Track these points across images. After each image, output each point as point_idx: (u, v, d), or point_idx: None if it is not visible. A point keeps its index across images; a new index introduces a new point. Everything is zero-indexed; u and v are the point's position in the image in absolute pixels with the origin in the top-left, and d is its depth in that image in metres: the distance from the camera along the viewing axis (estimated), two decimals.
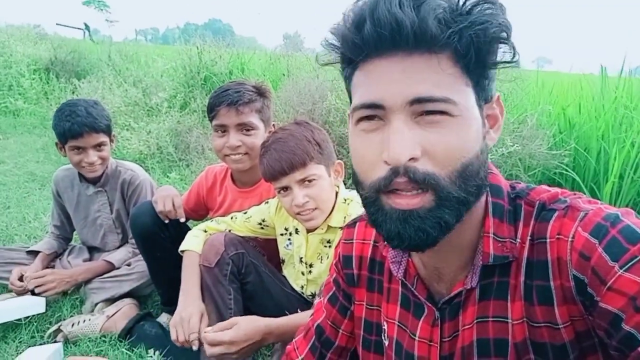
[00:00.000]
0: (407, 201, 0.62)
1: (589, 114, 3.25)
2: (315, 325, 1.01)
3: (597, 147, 3.00)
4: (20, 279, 2.01)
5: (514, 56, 0.64)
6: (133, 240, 2.10)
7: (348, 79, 0.70)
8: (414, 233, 0.63)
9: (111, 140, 2.15)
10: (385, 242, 0.71)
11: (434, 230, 0.63)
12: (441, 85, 0.61)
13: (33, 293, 1.99)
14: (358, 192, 0.70)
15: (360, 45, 0.62)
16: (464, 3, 0.60)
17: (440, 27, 0.58)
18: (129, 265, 2.10)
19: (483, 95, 0.66)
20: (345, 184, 1.66)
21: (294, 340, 1.06)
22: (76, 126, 1.98)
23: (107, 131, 2.10)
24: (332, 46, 0.68)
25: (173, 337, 1.48)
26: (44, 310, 1.93)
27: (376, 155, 0.64)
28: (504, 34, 0.61)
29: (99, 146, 2.08)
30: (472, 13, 0.60)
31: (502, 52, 0.64)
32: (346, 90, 0.73)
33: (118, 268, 2.11)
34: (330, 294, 1.00)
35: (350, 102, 0.71)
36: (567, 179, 3.07)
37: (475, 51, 0.61)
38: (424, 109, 0.61)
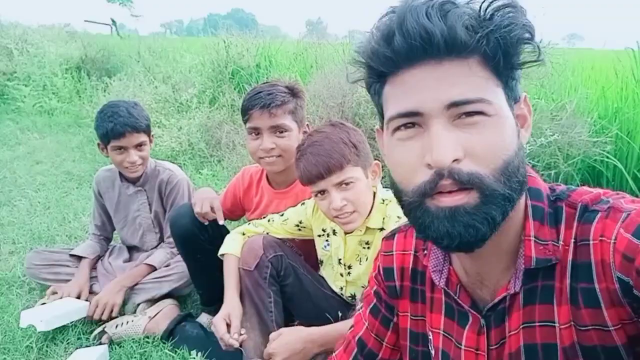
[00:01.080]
0: (452, 198, 0.63)
1: (631, 97, 3.11)
2: (357, 338, 1.01)
3: (638, 132, 2.88)
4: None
5: (539, 55, 0.65)
6: (170, 240, 2.12)
7: (377, 94, 0.72)
8: (463, 230, 0.63)
9: (150, 140, 2.19)
10: (435, 244, 0.71)
11: (483, 225, 0.63)
12: (474, 87, 0.63)
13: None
14: (399, 200, 0.70)
15: (391, 57, 0.64)
16: (487, 8, 0.62)
17: (468, 33, 0.61)
18: (167, 266, 2.14)
19: (512, 96, 0.68)
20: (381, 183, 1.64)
21: (334, 355, 1.06)
22: (119, 126, 2.03)
23: (147, 131, 2.15)
24: (360, 63, 0.70)
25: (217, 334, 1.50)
26: (86, 314, 1.98)
27: (417, 161, 0.65)
28: (528, 35, 0.63)
29: (139, 146, 2.12)
30: (495, 17, 0.62)
31: (527, 52, 0.66)
32: (376, 105, 0.74)
33: (166, 265, 2.15)
34: (371, 305, 0.99)
35: (382, 117, 0.73)
36: (609, 167, 2.96)
37: (503, 53, 0.63)
38: (461, 111, 0.63)
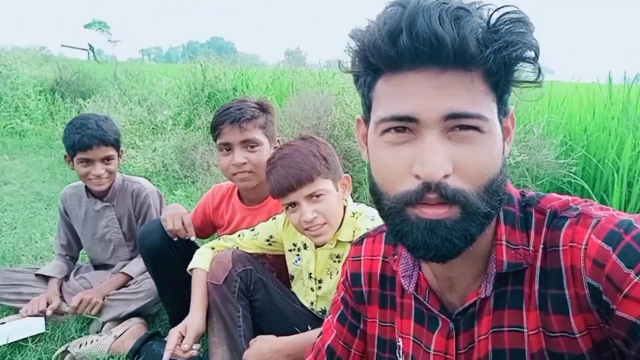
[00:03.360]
0: (434, 211, 0.62)
1: (597, 123, 3.23)
2: (326, 346, 0.99)
3: (606, 155, 2.98)
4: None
5: (538, 76, 0.64)
6: None
7: (368, 87, 0.68)
8: (440, 243, 0.62)
9: (119, 155, 2.17)
10: (410, 252, 0.70)
11: (460, 241, 0.62)
12: (475, 102, 0.61)
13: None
14: (378, 202, 0.69)
15: (394, 57, 0.61)
16: (497, 21, 0.60)
17: (479, 46, 0.58)
18: (136, 282, 2.09)
19: (503, 110, 0.67)
20: (352, 198, 1.65)
21: None
22: (85, 138, 2.00)
23: (116, 145, 2.12)
24: (356, 52, 0.66)
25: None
26: (44, 330, 1.90)
27: (405, 169, 0.63)
28: (533, 54, 0.61)
29: (106, 159, 2.09)
30: (505, 32, 0.59)
31: (528, 72, 0.64)
32: (363, 96, 0.71)
33: (133, 282, 2.11)
34: (338, 313, 0.98)
35: (368, 109, 0.70)
36: (576, 188, 3.05)
37: (506, 70, 0.61)
38: (458, 124, 0.61)
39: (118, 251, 2.26)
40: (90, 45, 19.93)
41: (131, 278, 2.10)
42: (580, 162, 3.01)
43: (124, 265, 2.18)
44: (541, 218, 0.70)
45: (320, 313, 1.65)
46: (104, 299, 2.01)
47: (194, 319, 1.53)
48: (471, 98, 0.61)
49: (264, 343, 1.41)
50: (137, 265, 2.14)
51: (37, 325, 1.89)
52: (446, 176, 0.60)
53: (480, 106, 0.61)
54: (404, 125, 0.63)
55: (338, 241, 1.52)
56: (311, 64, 6.86)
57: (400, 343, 0.86)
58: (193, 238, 1.78)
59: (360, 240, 0.96)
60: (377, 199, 0.69)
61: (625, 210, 2.73)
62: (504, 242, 0.70)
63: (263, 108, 1.78)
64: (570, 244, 0.64)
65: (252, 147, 1.72)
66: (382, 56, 0.62)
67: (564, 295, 0.64)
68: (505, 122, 0.69)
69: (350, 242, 1.50)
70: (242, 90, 5.52)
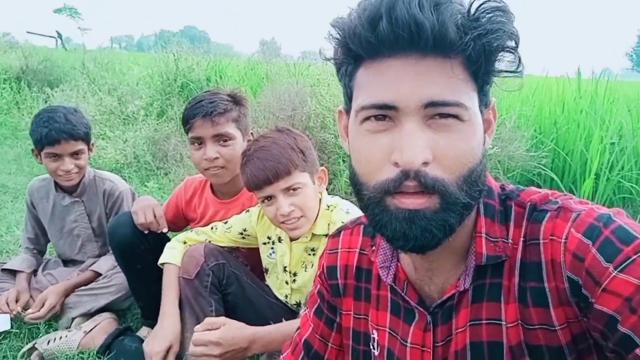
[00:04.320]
0: (413, 200, 0.62)
1: (566, 116, 3.31)
2: (303, 340, 0.99)
3: (574, 148, 3.06)
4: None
5: (518, 66, 0.64)
6: None
7: (349, 76, 0.68)
8: (420, 234, 0.62)
9: (89, 149, 2.09)
10: (389, 243, 0.70)
11: (439, 231, 0.62)
12: (454, 90, 0.61)
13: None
14: (358, 192, 0.68)
15: (374, 43, 0.61)
16: (477, 9, 0.60)
17: (458, 33, 0.58)
18: (106, 277, 2.04)
19: (484, 101, 0.66)
20: (327, 190, 1.64)
21: (281, 357, 1.03)
22: (53, 132, 1.92)
23: (86, 139, 2.04)
24: (337, 40, 0.65)
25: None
26: (9, 328, 1.84)
27: (384, 157, 0.63)
28: (513, 43, 0.62)
29: (76, 154, 2.01)
30: (485, 20, 0.59)
31: (507, 61, 0.64)
32: (344, 86, 0.71)
33: (103, 276, 2.04)
34: (315, 306, 0.98)
35: (349, 99, 0.70)
36: (546, 180, 3.12)
37: (486, 58, 0.61)
38: (437, 112, 0.61)
39: (86, 247, 2.20)
40: (58, 32, 19.30)
41: (100, 275, 2.04)
42: (550, 154, 3.08)
43: (93, 263, 2.12)
44: (521, 211, 0.70)
45: (295, 306, 1.64)
46: (65, 297, 1.95)
47: (173, 331, 1.52)
48: (451, 86, 0.61)
49: (239, 332, 1.36)
50: (106, 263, 2.08)
51: (2, 323, 1.83)
52: (425, 164, 0.60)
53: (460, 94, 0.61)
54: (384, 113, 0.62)
55: (313, 234, 1.52)
56: (286, 55, 6.83)
57: (375, 335, 0.86)
58: (165, 230, 1.75)
59: (337, 233, 0.95)
60: (357, 189, 0.68)
61: (592, 201, 2.81)
62: (483, 235, 0.70)
63: (236, 100, 1.74)
64: (551, 237, 0.65)
65: (225, 141, 1.69)
66: (362, 42, 0.62)
67: (544, 288, 0.65)
68: (487, 114, 0.69)
69: (325, 235, 1.50)
70: (215, 80, 5.44)
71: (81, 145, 2.02)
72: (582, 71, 3.69)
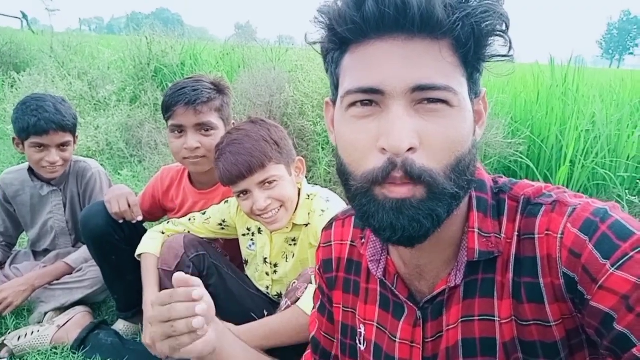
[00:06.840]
0: (400, 189, 0.60)
1: (542, 104, 3.34)
2: (312, 337, 0.97)
3: (550, 135, 3.10)
4: None
5: (509, 50, 0.62)
6: None
7: (335, 63, 0.66)
8: (407, 224, 0.60)
9: (74, 141, 2.01)
10: (376, 235, 0.67)
11: (427, 221, 0.60)
12: (443, 73, 0.59)
13: None
14: (345, 183, 0.66)
15: (359, 23, 0.59)
16: None
17: (446, 11, 0.56)
18: (79, 270, 1.97)
19: (474, 90, 0.65)
20: (307, 178, 1.62)
21: (304, 355, 1.02)
22: (43, 122, 1.83)
23: (73, 130, 1.97)
24: (323, 24, 0.63)
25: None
26: None
27: (371, 143, 0.60)
28: (503, 26, 0.60)
29: (62, 146, 1.93)
30: (474, 1, 0.57)
31: (498, 45, 0.62)
32: (331, 75, 0.68)
33: (77, 269, 1.97)
34: (319, 303, 0.96)
35: (336, 88, 0.68)
36: (522, 167, 3.16)
37: (475, 41, 0.59)
38: (425, 96, 0.59)
39: (59, 239, 2.12)
40: (23, 13, 18.55)
41: (73, 269, 1.97)
42: (526, 141, 3.12)
43: (56, 254, 2.04)
44: (514, 205, 0.68)
45: (276, 297, 1.62)
46: (33, 291, 1.86)
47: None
48: (440, 70, 0.59)
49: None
50: (78, 255, 2.01)
51: None
52: (412, 149, 0.58)
53: (449, 78, 0.59)
54: (370, 98, 0.60)
55: (294, 224, 1.49)
56: (262, 39, 6.71)
57: (362, 330, 0.84)
58: (140, 219, 1.70)
59: (329, 225, 0.93)
60: (344, 180, 0.66)
61: (568, 188, 2.86)
62: (476, 230, 0.68)
63: (220, 89, 1.70)
64: (546, 232, 0.63)
65: (207, 130, 1.65)
66: (347, 23, 0.60)
67: (539, 284, 0.64)
68: (477, 105, 0.67)
69: (306, 225, 1.48)
70: (190, 65, 5.32)
71: (68, 137, 1.95)
72: (553, 58, 3.72)
